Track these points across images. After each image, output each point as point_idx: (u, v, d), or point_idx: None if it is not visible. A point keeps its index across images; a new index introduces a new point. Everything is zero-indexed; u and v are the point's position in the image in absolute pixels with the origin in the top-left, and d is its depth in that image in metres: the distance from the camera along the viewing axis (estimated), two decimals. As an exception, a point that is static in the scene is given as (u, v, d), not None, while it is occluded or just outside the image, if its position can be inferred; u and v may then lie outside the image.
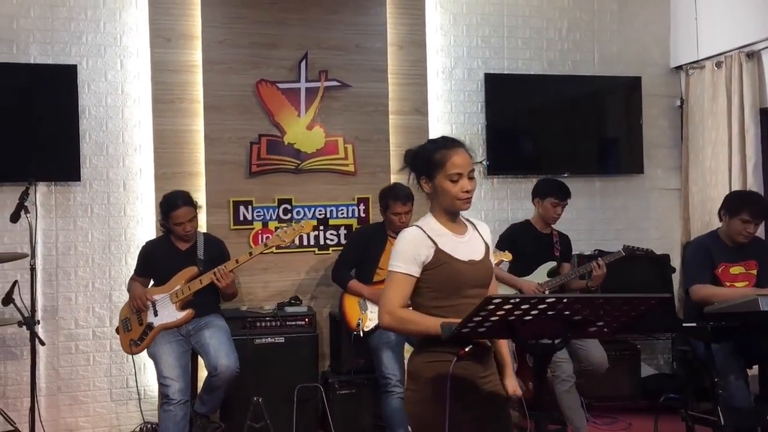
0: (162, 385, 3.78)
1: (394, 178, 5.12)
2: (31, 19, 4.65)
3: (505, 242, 4.45)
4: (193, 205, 4.00)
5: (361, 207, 4.98)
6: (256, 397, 4.09)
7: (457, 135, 5.03)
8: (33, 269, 3.68)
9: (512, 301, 1.72)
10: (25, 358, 4.64)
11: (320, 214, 4.92)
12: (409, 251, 2.29)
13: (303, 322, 4.47)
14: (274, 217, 4.84)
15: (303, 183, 4.92)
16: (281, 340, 4.40)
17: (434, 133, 5.29)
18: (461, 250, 2.31)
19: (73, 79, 4.60)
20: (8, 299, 3.76)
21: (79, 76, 4.66)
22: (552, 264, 4.41)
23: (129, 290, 4.04)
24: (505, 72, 5.49)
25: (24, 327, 3.81)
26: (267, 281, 4.88)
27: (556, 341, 1.98)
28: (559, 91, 5.49)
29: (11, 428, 4.19)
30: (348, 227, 4.93)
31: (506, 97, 5.35)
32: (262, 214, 4.82)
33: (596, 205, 5.70)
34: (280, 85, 4.86)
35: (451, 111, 5.42)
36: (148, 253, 4.07)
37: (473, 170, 2.34)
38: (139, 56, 4.78)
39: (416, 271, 2.29)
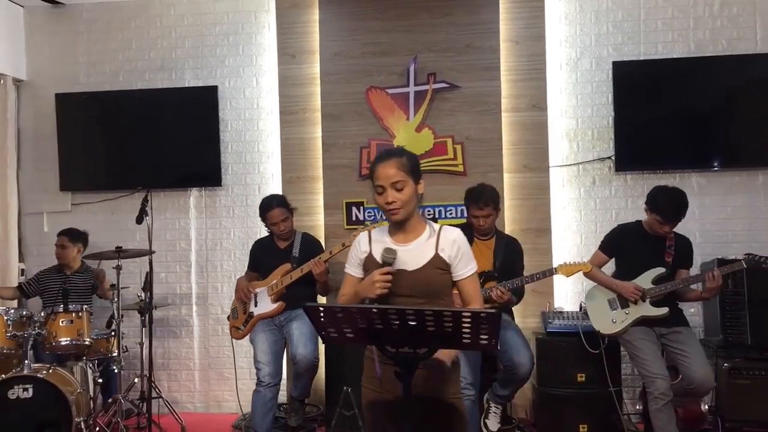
0: (256, 369, 4.24)
1: (507, 178, 5.04)
2: (186, 48, 5.46)
3: (608, 243, 4.15)
4: (287, 207, 4.40)
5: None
6: (346, 387, 4.36)
7: (583, 129, 4.94)
8: (151, 263, 4.38)
9: (321, 309, 1.76)
10: (183, 337, 5.50)
11: (428, 215, 5.02)
12: (352, 254, 2.48)
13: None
14: (384, 218, 5.04)
15: (412, 184, 5.05)
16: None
17: (555, 128, 5.10)
18: (398, 259, 2.33)
19: (214, 98, 5.30)
20: (146, 287, 4.51)
21: (221, 94, 5.36)
22: (660, 270, 3.99)
23: (237, 283, 4.58)
24: (641, 58, 5.04)
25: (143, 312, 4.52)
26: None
27: (421, 351, 1.95)
28: (711, 74, 4.88)
29: (156, 396, 4.99)
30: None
31: (640, 85, 4.92)
32: (372, 214, 5.07)
33: (758, 203, 4.97)
34: (389, 91, 5.06)
35: (576, 104, 5.14)
36: (255, 250, 4.57)
37: (399, 182, 2.32)
38: (270, 73, 5.33)
39: (358, 273, 2.41)
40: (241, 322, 4.44)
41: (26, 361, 4.02)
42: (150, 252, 4.32)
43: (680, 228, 4.00)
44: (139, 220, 4.25)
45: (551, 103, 5.08)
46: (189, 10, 5.45)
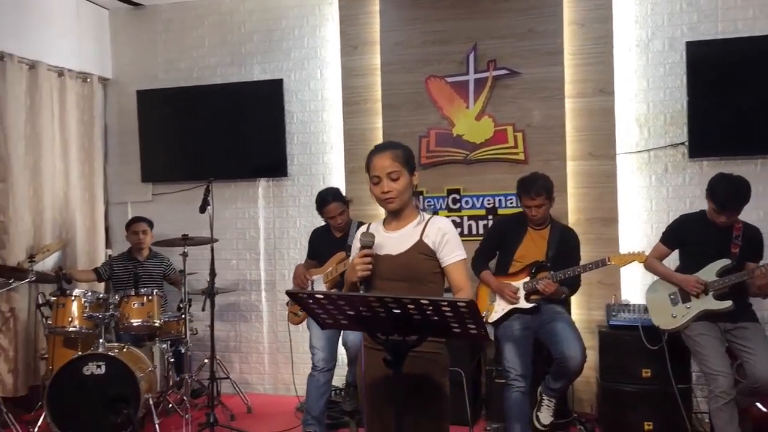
0: (311, 354, 4.36)
1: (571, 166, 4.90)
2: (254, 43, 5.65)
3: (669, 234, 3.97)
4: (343, 200, 4.47)
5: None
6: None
7: (654, 114, 4.78)
8: (212, 250, 4.58)
9: (302, 295, 1.80)
10: (253, 321, 5.73)
11: (489, 204, 4.97)
12: (354, 246, 2.58)
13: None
14: (443, 207, 5.05)
15: (472, 173, 5.02)
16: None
17: (623, 113, 4.90)
18: (385, 246, 2.43)
19: (280, 91, 5.45)
20: (213, 273, 4.73)
21: (287, 87, 5.51)
22: (725, 262, 3.76)
23: (295, 269, 4.72)
24: (718, 37, 4.74)
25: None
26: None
27: (411, 338, 1.96)
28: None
29: (224, 377, 5.24)
30: (518, 216, 4.87)
31: (717, 67, 4.62)
32: (432, 203, 5.07)
33: None
34: (449, 79, 5.03)
35: (647, 88, 4.91)
36: (312, 239, 4.69)
37: (395, 172, 2.39)
38: (333, 65, 5.43)
39: None
40: (299, 308, 4.56)
41: (100, 340, 4.32)
42: (212, 240, 4.52)
43: (755, 218, 3.76)
44: (202, 209, 4.46)
45: (619, 87, 4.87)
46: (257, 6, 5.62)
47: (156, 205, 5.83)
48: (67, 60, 5.43)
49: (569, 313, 4.12)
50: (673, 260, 4.05)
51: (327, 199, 4.40)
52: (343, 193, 4.57)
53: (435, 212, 5.05)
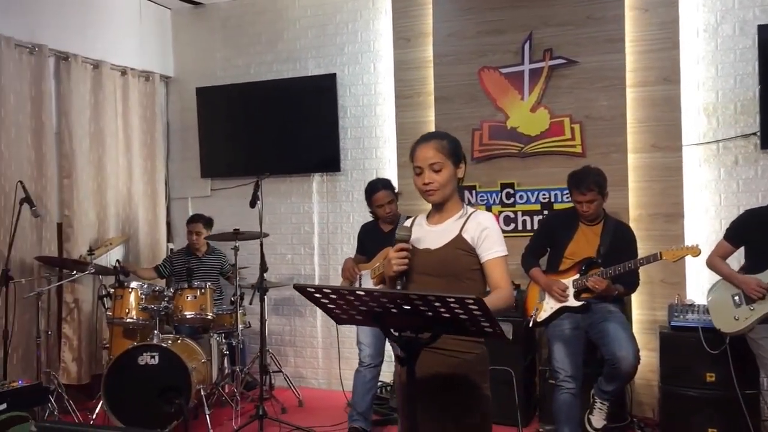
0: (358, 350, 4.33)
1: (632, 158, 4.68)
2: (309, 38, 5.66)
3: (734, 231, 3.74)
4: (392, 190, 4.42)
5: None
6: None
7: (724, 103, 4.54)
8: (262, 245, 4.62)
9: (311, 289, 1.75)
10: (307, 316, 5.76)
11: (544, 198, 4.80)
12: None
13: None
14: (497, 201, 4.92)
15: (527, 167, 4.87)
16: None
17: (689, 102, 4.64)
18: (425, 240, 2.34)
19: (334, 85, 5.45)
20: (264, 267, 4.78)
21: (341, 81, 5.50)
22: (794, 262, 3.50)
23: (344, 263, 4.70)
24: (796, 18, 4.41)
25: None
26: (493, 264, 4.98)
27: (422, 335, 1.89)
28: None
29: (277, 370, 5.29)
30: (574, 211, 4.69)
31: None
32: (485, 198, 4.95)
33: None
34: (503, 70, 4.89)
35: (716, 75, 4.62)
36: (361, 235, 4.65)
37: (437, 163, 2.30)
38: (386, 58, 5.37)
39: None
40: (347, 303, 4.54)
41: (155, 331, 4.43)
42: (261, 234, 4.56)
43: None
44: (252, 204, 4.50)
45: (685, 75, 4.61)
46: (312, 2, 5.63)
47: (215, 200, 5.95)
48: (130, 59, 5.60)
49: (625, 312, 3.92)
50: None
51: (377, 186, 4.37)
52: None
53: (488, 207, 4.92)
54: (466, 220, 2.33)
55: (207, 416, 4.29)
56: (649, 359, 4.55)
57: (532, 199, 4.83)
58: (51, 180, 4.80)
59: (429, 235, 2.34)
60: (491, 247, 2.27)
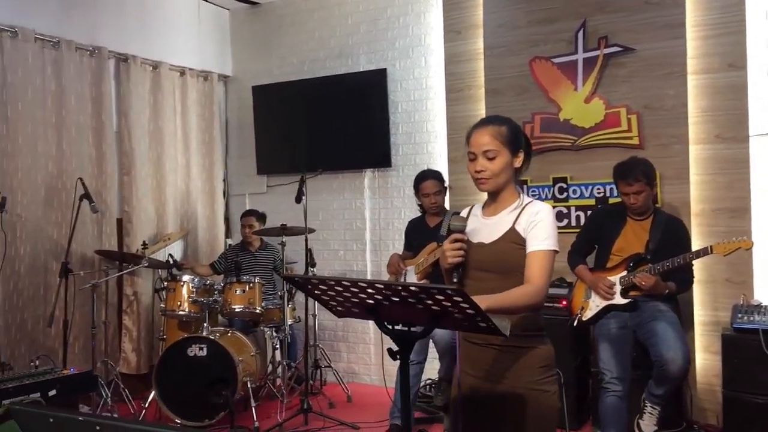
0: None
1: (694, 150, 4.43)
2: (360, 34, 5.66)
3: None
4: (440, 180, 4.36)
5: (651, 183, 4.44)
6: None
7: None
8: (306, 241, 4.64)
9: (298, 279, 1.71)
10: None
11: (599, 193, 4.61)
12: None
13: (560, 305, 4.32)
14: (549, 196, 4.76)
15: (580, 160, 4.69)
16: (575, 322, 4.33)
17: (757, 90, 4.35)
18: (480, 232, 2.22)
19: (384, 80, 5.42)
20: (310, 263, 4.82)
21: (392, 76, 5.46)
22: None
23: (390, 258, 4.66)
24: None
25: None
26: (546, 261, 4.83)
27: (415, 329, 1.82)
28: None
29: (326, 365, 5.31)
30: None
31: None
32: (537, 193, 4.80)
33: None
34: (555, 60, 4.72)
35: (788, 60, 4.30)
36: (408, 230, 4.61)
37: (492, 150, 2.16)
38: (437, 52, 5.30)
39: None
40: (392, 299, 4.51)
41: (204, 324, 4.53)
42: (306, 230, 4.59)
43: None
44: (298, 199, 4.53)
45: (752, 60, 4.31)
46: (364, -3, 5.63)
47: (270, 196, 6.03)
48: (188, 59, 5.76)
49: (679, 312, 3.69)
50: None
51: (426, 176, 4.32)
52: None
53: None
54: (520, 212, 2.18)
55: (253, 408, 4.35)
56: (711, 363, 4.31)
57: (586, 194, 4.64)
58: (111, 177, 4.99)
59: (484, 227, 2.22)
60: (535, 238, 2.11)
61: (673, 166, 4.40)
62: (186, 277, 4.67)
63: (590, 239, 3.87)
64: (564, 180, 4.70)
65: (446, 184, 4.48)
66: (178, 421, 4.37)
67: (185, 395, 4.38)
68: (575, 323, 3.78)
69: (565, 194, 4.70)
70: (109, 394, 4.37)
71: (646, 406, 3.65)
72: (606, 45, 4.56)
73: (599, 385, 3.58)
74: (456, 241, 2.15)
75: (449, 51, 5.18)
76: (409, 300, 1.66)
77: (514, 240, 2.15)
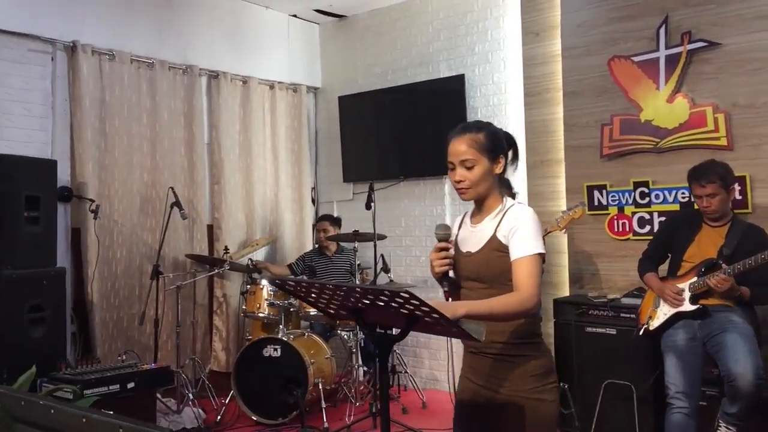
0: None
1: (790, 150, 4.07)
2: (441, 41, 5.68)
3: None
4: (508, 187, 4.29)
5: (737, 187, 4.12)
6: (562, 383, 4.10)
7: None
8: (375, 247, 4.70)
9: (278, 281, 1.77)
10: (441, 318, 5.75)
11: (683, 197, 4.34)
12: None
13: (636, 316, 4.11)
14: (630, 202, 4.54)
15: (663, 163, 4.43)
16: (612, 331, 4.17)
17: None
18: (468, 241, 2.20)
19: (462, 86, 5.41)
20: (386, 269, 4.90)
21: (471, 82, 5.44)
22: None
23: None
24: None
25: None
26: (627, 269, 4.60)
27: (393, 331, 1.83)
28: None
29: (402, 371, 5.34)
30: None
31: None
32: (617, 198, 4.58)
33: None
34: (635, 59, 4.50)
35: None
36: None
37: (469, 160, 2.12)
38: (516, 56, 5.22)
39: None
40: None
41: (281, 326, 4.72)
42: (375, 236, 4.66)
43: None
44: (368, 206, 4.62)
45: None
46: (443, 5, 5.64)
47: (356, 203, 6.16)
48: (277, 73, 6.03)
49: (756, 323, 3.39)
50: None
51: None
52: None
53: (620, 208, 4.56)
54: (501, 218, 2.14)
55: (323, 409, 4.47)
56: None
57: (670, 199, 4.38)
58: (202, 186, 5.32)
59: (471, 236, 2.19)
60: (517, 244, 2.06)
61: (765, 168, 4.07)
62: (265, 281, 4.89)
63: (662, 246, 3.66)
64: (646, 184, 4.46)
65: (514, 191, 4.38)
66: (254, 418, 4.58)
67: (261, 394, 4.58)
68: (640, 333, 3.59)
69: (647, 199, 4.46)
70: (193, 390, 4.65)
71: (720, 426, 3.38)
72: (690, 40, 4.29)
73: (665, 401, 3.37)
74: (441, 249, 2.13)
75: (527, 54, 5.08)
76: (377, 303, 1.67)
77: (496, 248, 2.10)
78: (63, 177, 4.51)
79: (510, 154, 2.25)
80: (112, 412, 1.29)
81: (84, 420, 1.25)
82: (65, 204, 4.55)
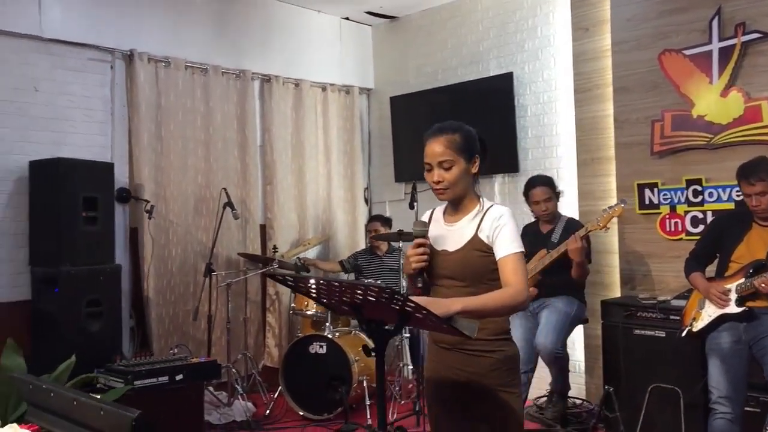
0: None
1: None
2: (490, 39, 5.65)
3: None
4: (550, 186, 4.26)
5: (794, 185, 3.92)
6: (607, 386, 4.02)
7: None
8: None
9: (279, 277, 1.82)
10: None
11: (738, 195, 4.13)
12: None
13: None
14: (682, 200, 4.38)
15: (717, 160, 4.26)
16: (661, 333, 4.05)
17: None
18: (443, 240, 2.24)
19: (510, 84, 5.36)
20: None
21: (521, 79, 5.39)
22: None
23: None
24: None
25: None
26: (680, 270, 4.41)
27: (389, 326, 1.88)
28: None
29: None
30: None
31: None
32: (669, 196, 4.44)
33: None
34: (687, 52, 4.35)
35: None
36: (522, 236, 4.49)
37: (447, 161, 2.18)
38: (565, 52, 5.13)
39: None
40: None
41: (327, 324, 4.81)
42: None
43: None
44: (411, 205, 4.66)
45: None
46: (493, 3, 5.60)
47: (408, 203, 6.19)
48: (330, 76, 6.14)
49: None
50: None
51: (534, 183, 4.29)
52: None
53: (672, 207, 4.41)
54: (482, 218, 2.18)
55: (367, 406, 4.53)
56: None
57: (724, 197, 4.21)
58: (254, 186, 5.48)
59: (446, 234, 2.23)
60: (502, 244, 2.12)
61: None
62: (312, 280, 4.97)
63: (710, 245, 3.53)
64: (698, 182, 4.30)
65: (558, 189, 4.34)
66: (301, 413, 4.68)
67: (307, 389, 4.69)
68: (683, 334, 3.47)
69: (700, 197, 4.30)
70: (243, 384, 4.80)
71: (769, 434, 3.24)
72: (744, 32, 4.11)
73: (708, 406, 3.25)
74: (419, 246, 2.17)
75: (577, 49, 4.98)
76: (369, 298, 1.71)
77: (478, 248, 2.15)
78: (122, 179, 4.75)
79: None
80: (99, 397, 1.39)
81: (74, 403, 1.36)
82: (124, 204, 4.78)
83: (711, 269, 3.58)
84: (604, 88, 4.82)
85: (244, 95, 5.44)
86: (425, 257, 2.18)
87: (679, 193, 4.40)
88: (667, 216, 4.44)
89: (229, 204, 4.92)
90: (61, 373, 2.65)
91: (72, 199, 4.08)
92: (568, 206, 4.98)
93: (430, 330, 2.03)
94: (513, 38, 5.48)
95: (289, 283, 2.00)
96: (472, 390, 2.18)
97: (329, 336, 4.67)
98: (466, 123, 5.56)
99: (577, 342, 4.95)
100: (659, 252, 4.51)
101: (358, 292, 1.75)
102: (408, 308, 1.72)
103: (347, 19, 6.33)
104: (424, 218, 2.36)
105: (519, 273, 2.08)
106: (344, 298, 1.85)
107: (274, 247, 5.32)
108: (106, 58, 4.76)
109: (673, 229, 4.41)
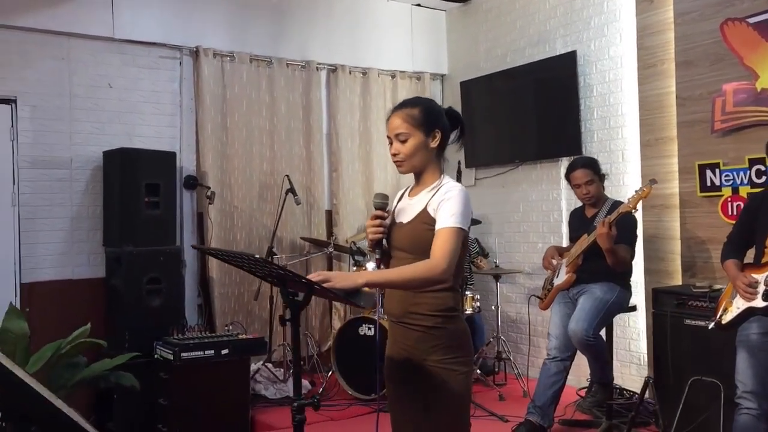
0: (548, 340, 4.12)
1: None
2: (557, 18, 5.45)
3: None
4: (592, 169, 4.10)
5: None
6: (647, 376, 3.82)
7: None
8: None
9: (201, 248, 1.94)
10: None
11: (796, 178, 3.77)
12: None
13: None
14: (745, 181, 4.03)
15: (784, 137, 3.87)
16: (712, 324, 3.77)
17: None
18: (403, 212, 2.29)
19: (573, 64, 5.16)
20: (484, 253, 4.87)
21: (587, 58, 5.17)
22: None
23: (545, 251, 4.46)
24: None
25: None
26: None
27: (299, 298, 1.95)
28: None
29: (506, 357, 5.24)
30: None
31: None
32: (731, 178, 4.10)
33: None
34: (751, 20, 3.97)
35: None
36: (569, 220, 4.37)
37: (402, 134, 2.21)
38: (631, 26, 4.85)
39: None
40: (544, 292, 4.34)
41: (379, 306, 4.91)
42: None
43: None
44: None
45: None
46: (560, -22, 5.41)
47: (478, 189, 6.15)
48: (399, 63, 6.19)
49: None
50: None
51: (575, 165, 4.18)
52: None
53: (734, 188, 4.07)
54: (435, 193, 2.21)
55: (411, 389, 4.58)
56: None
57: (790, 178, 3.82)
58: (319, 174, 5.68)
59: (406, 207, 2.28)
60: (441, 216, 2.13)
61: None
62: (369, 264, 5.10)
63: (744, 229, 3.25)
64: (762, 161, 3.93)
65: (602, 172, 4.16)
66: (350, 392, 4.83)
67: (357, 370, 4.82)
68: (711, 326, 3.21)
69: (764, 178, 3.93)
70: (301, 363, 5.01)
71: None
72: (815, -8, 3.69)
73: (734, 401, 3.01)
74: (376, 218, 2.21)
75: (641, 23, 4.70)
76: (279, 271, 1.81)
77: (425, 220, 2.17)
78: (190, 167, 5.13)
79: (458, 132, 2.33)
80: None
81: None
82: (191, 191, 5.16)
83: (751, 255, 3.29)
84: (668, 64, 4.52)
85: (309, 85, 5.63)
86: (381, 229, 2.24)
87: (741, 173, 4.04)
88: (729, 198, 4.10)
89: (291, 190, 5.14)
90: (76, 337, 2.97)
91: (135, 185, 4.47)
92: (633, 190, 4.72)
93: (333, 300, 2.08)
94: (579, 15, 5.25)
95: (221, 256, 2.13)
96: (409, 365, 2.21)
97: (375, 318, 4.76)
98: (533, 105, 5.47)
99: (642, 333, 4.72)
100: (721, 237, 4.10)
101: (267, 266, 1.84)
102: (302, 282, 1.79)
103: (419, 5, 6.34)
104: (399, 194, 2.41)
105: (446, 247, 2.06)
106: (266, 271, 1.95)
107: (331, 233, 5.49)
108: (175, 55, 5.14)
109: (735, 212, 4.06)
